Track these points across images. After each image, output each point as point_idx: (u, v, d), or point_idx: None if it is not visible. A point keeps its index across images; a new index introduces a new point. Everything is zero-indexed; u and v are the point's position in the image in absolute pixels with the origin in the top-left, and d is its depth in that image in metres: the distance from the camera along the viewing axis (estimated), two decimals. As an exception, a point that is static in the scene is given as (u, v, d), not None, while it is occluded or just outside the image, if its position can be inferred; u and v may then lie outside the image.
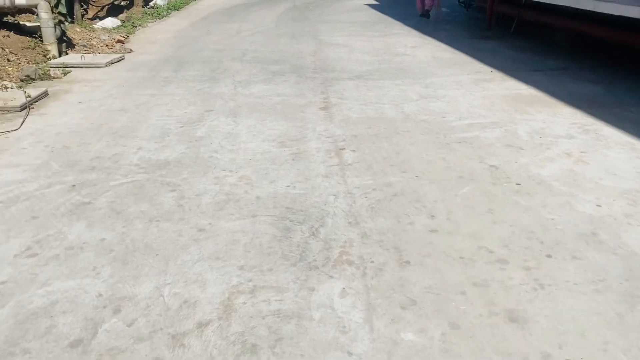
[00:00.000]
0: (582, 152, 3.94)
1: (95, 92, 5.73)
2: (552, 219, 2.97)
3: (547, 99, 5.37)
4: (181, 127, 4.58)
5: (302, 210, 3.08)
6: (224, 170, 3.67)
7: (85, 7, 10.72)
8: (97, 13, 11.03)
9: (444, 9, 13.13)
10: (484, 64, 7.08)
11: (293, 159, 3.86)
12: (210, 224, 2.94)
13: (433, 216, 3.01)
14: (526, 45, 8.40)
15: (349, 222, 2.94)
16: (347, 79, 6.35)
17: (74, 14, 9.49)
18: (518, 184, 3.41)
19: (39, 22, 7.13)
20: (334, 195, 3.29)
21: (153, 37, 9.52)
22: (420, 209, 3.09)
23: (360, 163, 3.79)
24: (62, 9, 7.87)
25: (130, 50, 8.14)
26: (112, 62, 7.11)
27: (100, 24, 10.04)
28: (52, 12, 7.23)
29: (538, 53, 7.81)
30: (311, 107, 5.22)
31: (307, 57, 7.69)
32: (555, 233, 2.83)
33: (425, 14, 12.01)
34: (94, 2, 11.37)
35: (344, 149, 4.07)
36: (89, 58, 7.14)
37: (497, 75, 6.49)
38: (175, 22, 11.61)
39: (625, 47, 6.68)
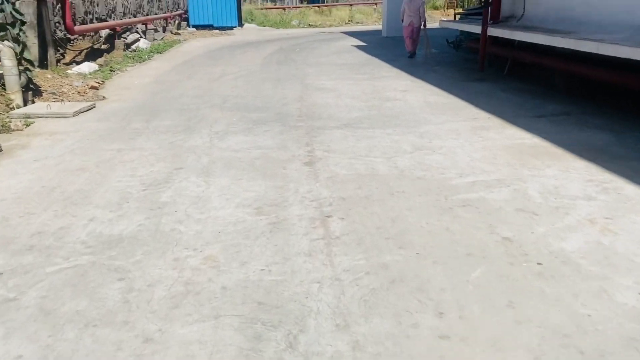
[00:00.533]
0: (606, 218, 3.38)
1: (56, 147, 5.13)
2: (589, 315, 2.38)
3: (555, 150, 4.85)
4: (144, 190, 3.97)
5: (277, 307, 2.46)
6: (187, 248, 3.05)
7: (62, 51, 10.24)
8: (75, 57, 10.55)
9: (433, 50, 12.85)
10: (480, 109, 6.61)
11: (271, 231, 3.26)
12: (160, 329, 2.31)
13: (442, 313, 2.40)
14: (522, 88, 7.99)
15: (337, 325, 2.32)
16: (335, 128, 5.83)
17: (47, 59, 8.98)
18: (539, 264, 2.82)
19: (1, 69, 6.60)
20: (319, 282, 2.68)
21: (130, 82, 9.01)
22: (425, 302, 2.49)
23: (350, 235, 3.19)
24: (28, 54, 7.34)
25: (104, 97, 7.60)
26: (80, 112, 6.56)
27: (76, 69, 9.54)
28: (18, 59, 6.70)
29: (536, 96, 7.37)
30: (294, 162, 4.66)
31: (292, 103, 7.19)
32: (595, 337, 2.23)
33: (412, 55, 11.80)
34: (72, 46, 10.91)
35: (331, 216, 3.48)
36: (55, 107, 6.57)
37: (495, 121, 5.99)
38: (156, 66, 11.15)
39: (629, 91, 6.25)
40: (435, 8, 30.78)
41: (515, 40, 8.21)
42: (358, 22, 25.78)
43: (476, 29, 9.43)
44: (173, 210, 3.59)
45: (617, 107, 6.50)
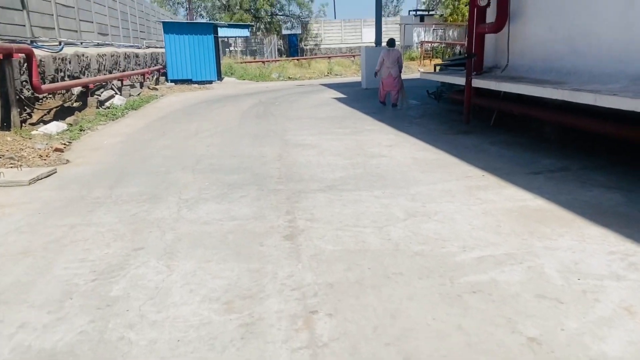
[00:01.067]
0: (645, 304, 2.82)
1: (0, 225, 4.47)
2: None
3: (563, 214, 4.34)
4: (94, 280, 3.32)
5: None
6: (136, 367, 2.40)
7: (29, 110, 9.65)
8: (43, 117, 9.96)
9: (413, 101, 12.57)
10: (472, 166, 6.14)
11: (242, 337, 2.62)
12: None
13: None
14: (512, 140, 7.59)
15: None
16: (318, 191, 5.27)
17: (10, 120, 8.39)
18: (582, 379, 2.23)
19: (-50, 134, 5.97)
20: (303, 418, 2.04)
21: (99, 142, 8.42)
22: None
23: (341, 341, 2.57)
24: (-17, 118, 6.75)
25: (67, 160, 6.98)
26: (38, 179, 5.92)
27: (42, 129, 8.94)
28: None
29: (527, 149, 6.96)
30: (273, 235, 4.06)
31: (271, 163, 6.65)
32: None
33: (393, 106, 11.68)
34: (41, 104, 10.35)
35: (317, 311, 2.86)
36: (10, 175, 5.93)
37: (491, 180, 5.51)
38: (129, 123, 10.61)
39: (628, 143, 5.85)
40: (412, 59, 31.15)
41: (501, 91, 7.89)
42: (337, 74, 25.82)
43: (459, 80, 9.13)
44: (124, 308, 2.94)
45: (615, 160, 6.08)
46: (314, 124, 9.81)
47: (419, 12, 35.02)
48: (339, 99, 14.22)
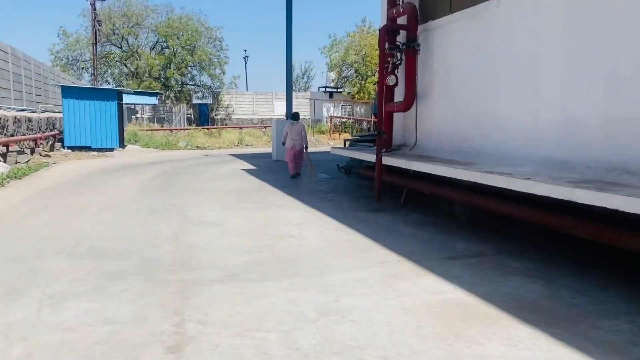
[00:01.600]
0: None
1: None
2: None
3: (486, 310, 3.94)
4: None
5: None
6: None
7: None
8: None
9: (323, 175, 12.31)
10: (387, 249, 5.71)
11: None
12: None
13: None
14: (424, 220, 7.36)
15: None
16: (216, 282, 4.54)
17: None
18: None
19: None
20: None
21: (-39, 218, 7.14)
22: None
23: None
24: None
25: None
26: None
27: None
28: None
29: (441, 230, 6.71)
30: (154, 347, 3.26)
31: (164, 245, 5.83)
32: None
33: (294, 176, 11.61)
34: None
35: None
36: None
37: (407, 266, 5.08)
38: (7, 195, 9.29)
39: (541, 227, 5.73)
40: (321, 132, 31.68)
41: (410, 169, 7.75)
42: (248, 145, 25.45)
43: (369, 157, 8.97)
44: None
45: (530, 244, 5.94)
46: (219, 198, 9.11)
47: (328, 89, 36.16)
48: (248, 171, 13.67)
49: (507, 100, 6.66)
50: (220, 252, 5.54)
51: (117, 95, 21.84)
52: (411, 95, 8.42)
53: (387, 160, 8.20)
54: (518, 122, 6.38)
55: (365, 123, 34.08)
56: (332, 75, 37.10)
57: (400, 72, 8.63)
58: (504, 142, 6.58)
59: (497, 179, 5.34)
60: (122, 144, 22.28)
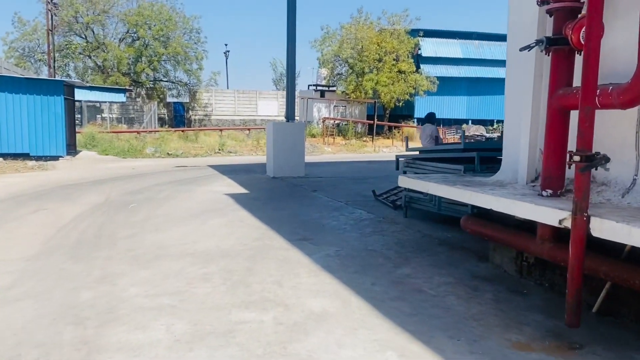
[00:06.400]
0: None
1: None
2: None
3: None
4: None
5: None
6: None
7: None
8: None
9: (356, 210, 7.56)
10: None
11: None
12: None
13: None
14: None
15: None
16: None
17: None
18: None
19: None
20: None
21: None
22: None
23: None
24: None
25: None
26: None
27: None
28: None
29: None
30: None
31: None
32: None
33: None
34: None
35: None
36: None
37: None
38: None
39: None
40: (312, 136, 26.81)
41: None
42: (231, 152, 20.45)
43: (519, 208, 3.89)
44: None
45: None
46: (187, 285, 4.26)
47: (319, 87, 31.38)
48: (237, 198, 8.77)
49: None
50: None
51: (66, 89, 16.67)
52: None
53: (608, 229, 3.31)
54: None
55: (360, 126, 29.42)
56: (324, 71, 32.29)
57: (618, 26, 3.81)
58: None
59: None
60: (72, 151, 17.12)
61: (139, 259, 5.03)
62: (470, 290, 4.21)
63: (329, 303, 3.88)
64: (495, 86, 33.46)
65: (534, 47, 3.95)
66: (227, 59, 50.64)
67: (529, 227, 4.22)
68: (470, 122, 33.23)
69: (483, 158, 5.80)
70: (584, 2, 3.73)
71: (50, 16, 25.95)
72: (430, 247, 5.56)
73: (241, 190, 9.87)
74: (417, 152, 7.10)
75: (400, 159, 6.96)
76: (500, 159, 6.27)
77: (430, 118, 9.57)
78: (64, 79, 18.45)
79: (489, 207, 3.80)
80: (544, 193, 3.86)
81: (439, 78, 30.37)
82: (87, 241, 5.77)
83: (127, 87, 28.71)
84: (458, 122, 32.57)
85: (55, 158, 15.66)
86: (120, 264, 4.85)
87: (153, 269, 4.70)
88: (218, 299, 3.95)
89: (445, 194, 4.30)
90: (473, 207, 5.16)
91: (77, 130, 23.08)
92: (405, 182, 4.99)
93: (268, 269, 4.72)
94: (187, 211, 7.59)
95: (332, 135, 26.97)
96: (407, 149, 7.41)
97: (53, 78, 18.90)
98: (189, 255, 5.17)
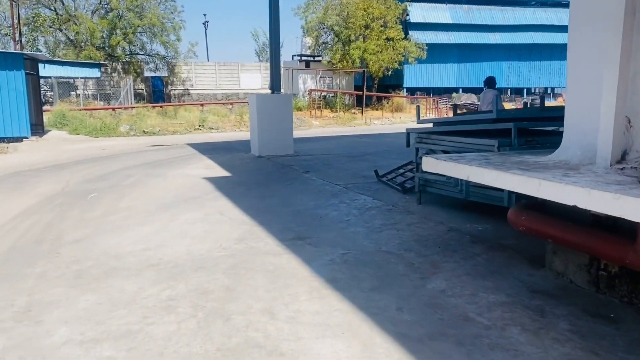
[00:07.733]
0: None
1: None
2: None
3: None
4: None
5: None
6: None
7: None
8: None
9: (360, 195, 6.35)
10: None
11: None
12: None
13: None
14: None
15: None
16: None
17: None
18: None
19: None
20: None
21: None
22: None
23: None
24: None
25: None
26: None
27: None
28: None
29: None
30: None
31: None
32: None
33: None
34: None
35: None
36: None
37: None
38: None
39: None
40: (299, 109, 25.29)
41: None
42: (212, 128, 18.95)
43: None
44: None
45: None
46: (142, 308, 3.02)
47: (304, 57, 29.65)
48: (217, 184, 7.46)
49: None
50: None
51: (28, 63, 15.02)
52: None
53: None
54: None
55: (347, 97, 27.94)
56: (309, 40, 30.52)
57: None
58: None
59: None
60: (39, 131, 15.55)
61: (83, 277, 3.76)
62: (536, 315, 3.02)
63: (343, 348, 2.67)
64: (485, 53, 32.10)
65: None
66: (206, 29, 48.19)
67: (611, 224, 3.04)
68: (460, 90, 31.90)
69: (520, 130, 4.56)
70: None
71: (12, -15, 23.78)
72: (461, 246, 4.35)
73: (222, 172, 8.56)
74: (431, 125, 5.84)
75: (411, 133, 5.70)
76: (542, 131, 5.06)
77: (490, 82, 8.54)
78: (24, 52, 16.67)
79: (572, 204, 2.57)
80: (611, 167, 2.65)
81: (428, 45, 28.85)
82: (23, 249, 4.47)
83: (102, 62, 26.84)
84: (448, 91, 31.21)
85: (19, 139, 14.11)
86: (57, 286, 3.58)
87: (99, 293, 3.43)
88: (183, 345, 2.71)
89: (502, 183, 3.05)
90: (518, 195, 3.96)
91: (47, 108, 21.42)
92: (433, 165, 3.75)
93: (255, 289, 3.48)
94: (156, 202, 6.29)
95: (320, 107, 25.52)
96: (419, 121, 6.14)
97: (12, 52, 17.09)
98: (150, 268, 3.90)
